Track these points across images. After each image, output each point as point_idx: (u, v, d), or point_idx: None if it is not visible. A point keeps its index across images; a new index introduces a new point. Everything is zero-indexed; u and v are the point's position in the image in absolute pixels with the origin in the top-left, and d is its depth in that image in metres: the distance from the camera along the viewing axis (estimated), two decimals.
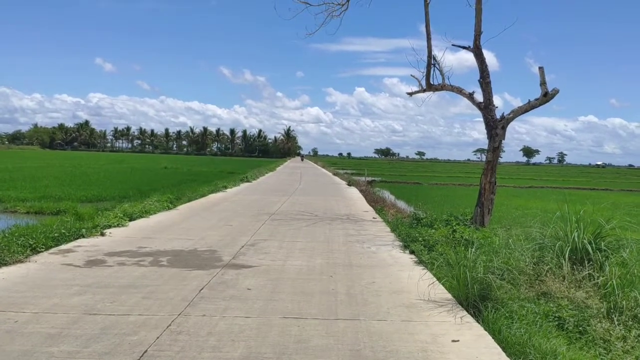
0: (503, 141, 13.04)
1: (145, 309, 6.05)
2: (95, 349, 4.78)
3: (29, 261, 8.33)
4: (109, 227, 11.77)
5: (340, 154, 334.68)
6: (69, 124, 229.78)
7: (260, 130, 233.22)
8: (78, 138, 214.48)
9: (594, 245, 7.24)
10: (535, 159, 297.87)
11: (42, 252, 8.99)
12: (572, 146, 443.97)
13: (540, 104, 12.66)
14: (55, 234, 9.95)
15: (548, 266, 7.14)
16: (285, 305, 6.39)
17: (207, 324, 5.57)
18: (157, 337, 5.11)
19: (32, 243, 8.99)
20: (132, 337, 5.11)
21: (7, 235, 9.10)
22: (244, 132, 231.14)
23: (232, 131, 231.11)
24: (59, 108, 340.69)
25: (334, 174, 55.12)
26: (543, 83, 12.45)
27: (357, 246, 10.82)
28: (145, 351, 4.75)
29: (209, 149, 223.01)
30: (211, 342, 5.04)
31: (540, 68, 12.54)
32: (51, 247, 9.40)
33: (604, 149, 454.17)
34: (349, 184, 34.97)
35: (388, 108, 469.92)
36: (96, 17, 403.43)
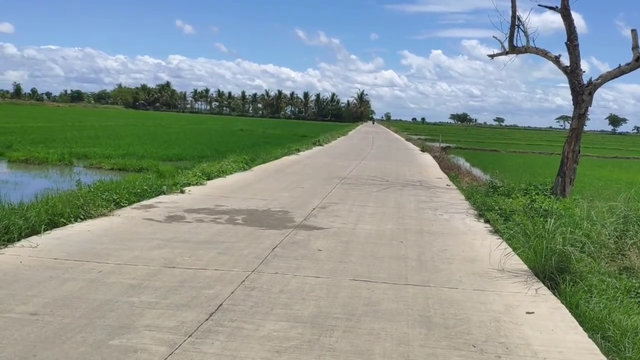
0: (589, 107, 12.37)
1: (220, 264, 6.27)
2: (174, 300, 5.01)
3: (113, 215, 8.77)
4: (188, 185, 12.22)
5: (414, 119, 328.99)
6: (151, 84, 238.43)
7: (333, 94, 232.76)
8: (160, 99, 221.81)
9: None
10: (622, 128, 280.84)
11: (125, 206, 9.45)
12: None
13: (632, 70, 11.83)
14: (138, 190, 10.42)
15: (632, 240, 6.79)
16: (355, 267, 6.44)
17: (279, 282, 5.70)
18: (232, 292, 5.30)
19: (115, 198, 9.45)
20: (208, 290, 5.32)
21: (92, 190, 9.58)
22: (318, 95, 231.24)
23: (306, 95, 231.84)
24: (141, 69, 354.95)
25: (407, 140, 54.40)
26: (635, 47, 11.60)
27: (429, 213, 10.68)
28: (221, 305, 4.94)
29: (283, 112, 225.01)
30: (283, 299, 5.17)
31: (634, 31, 11.66)
32: (134, 202, 9.86)
33: None
34: (422, 150, 34.41)
35: (466, 71, 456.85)
36: None
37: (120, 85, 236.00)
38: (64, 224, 7.81)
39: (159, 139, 32.84)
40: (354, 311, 4.95)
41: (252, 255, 6.71)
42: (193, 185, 12.39)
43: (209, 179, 13.60)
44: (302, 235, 8.04)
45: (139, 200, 10.07)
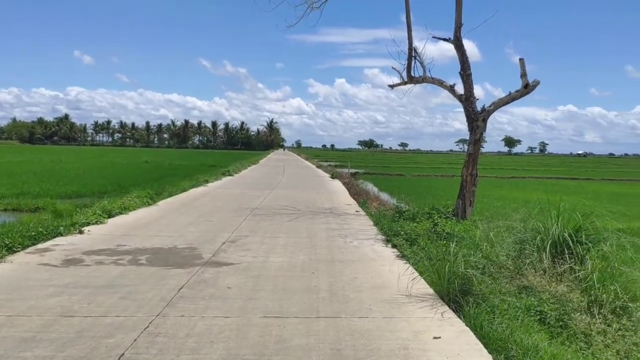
0: (484, 133, 13.08)
1: (123, 309, 5.94)
2: (71, 353, 4.67)
3: (5, 261, 8.14)
4: (88, 224, 11.58)
5: (324, 146, 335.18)
6: (49, 118, 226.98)
7: (242, 123, 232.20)
8: (58, 132, 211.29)
9: (574, 238, 7.24)
10: (517, 148, 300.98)
11: (18, 251, 8.80)
12: (554, 135, 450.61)
13: (521, 96, 12.67)
14: (33, 233, 9.75)
15: (529, 260, 7.14)
16: (265, 304, 6.32)
17: (186, 325, 5.47)
18: (135, 340, 5.01)
19: (7, 242, 8.79)
20: (109, 339, 5.00)
21: None
22: (226, 124, 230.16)
23: (214, 124, 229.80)
24: (37, 102, 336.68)
25: (317, 167, 54.99)
26: (524, 75, 12.46)
27: (339, 241, 10.77)
28: (122, 354, 4.65)
29: (190, 142, 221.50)
30: (190, 344, 4.95)
31: (521, 60, 12.54)
32: (28, 246, 9.21)
33: (585, 138, 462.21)
34: (333, 177, 34.88)
35: (370, 99, 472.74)
36: (73, 7, 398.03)
37: (14, 120, 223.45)
38: None
39: (57, 175, 31.06)
40: (264, 350, 4.83)
41: (156, 298, 6.41)
42: (93, 224, 11.75)
43: (110, 216, 12.96)
44: (211, 273, 7.81)
45: (33, 244, 9.40)
